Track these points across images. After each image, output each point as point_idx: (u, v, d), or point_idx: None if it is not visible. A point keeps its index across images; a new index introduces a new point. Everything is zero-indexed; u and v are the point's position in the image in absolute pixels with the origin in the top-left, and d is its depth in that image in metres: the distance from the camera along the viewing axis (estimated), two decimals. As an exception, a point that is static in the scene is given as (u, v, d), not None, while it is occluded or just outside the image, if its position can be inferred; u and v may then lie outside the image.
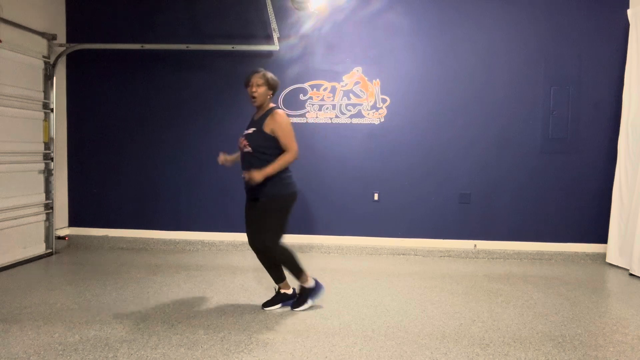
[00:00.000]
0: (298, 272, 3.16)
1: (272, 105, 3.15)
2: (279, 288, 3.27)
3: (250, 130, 3.09)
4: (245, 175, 2.98)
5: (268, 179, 2.99)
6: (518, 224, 4.89)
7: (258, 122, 3.08)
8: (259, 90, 3.06)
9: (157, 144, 5.10)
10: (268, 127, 3.02)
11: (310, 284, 3.21)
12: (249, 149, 3.04)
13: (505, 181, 4.88)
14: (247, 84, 3.10)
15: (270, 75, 3.12)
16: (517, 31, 4.80)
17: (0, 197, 4.21)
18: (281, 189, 3.05)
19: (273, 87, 3.14)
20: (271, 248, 3.09)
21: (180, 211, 5.12)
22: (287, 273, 3.24)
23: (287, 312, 3.20)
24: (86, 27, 5.06)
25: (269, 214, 3.07)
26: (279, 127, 3.01)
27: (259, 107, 3.14)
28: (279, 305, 3.25)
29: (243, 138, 3.10)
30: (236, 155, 3.28)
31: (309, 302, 3.23)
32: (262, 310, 3.21)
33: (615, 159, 4.65)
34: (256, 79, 3.07)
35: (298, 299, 3.23)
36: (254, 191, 3.07)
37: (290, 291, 3.28)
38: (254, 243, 3.16)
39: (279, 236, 3.12)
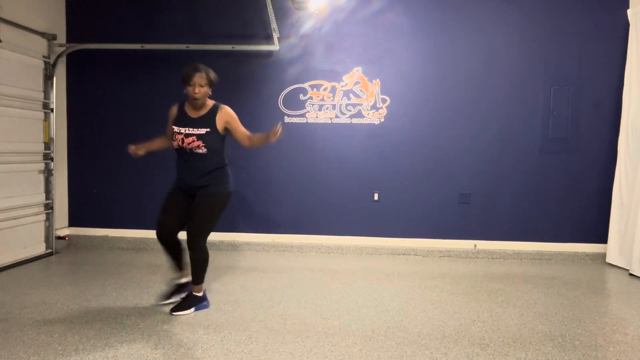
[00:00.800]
0: (201, 279, 3.16)
1: (211, 101, 3.12)
2: (182, 277, 3.32)
3: (203, 131, 3.01)
4: (275, 131, 2.98)
5: (216, 177, 3.07)
6: (518, 224, 4.89)
7: (206, 121, 3.04)
8: (202, 91, 3.00)
9: (157, 144, 5.10)
10: (221, 123, 3.05)
11: (200, 293, 3.20)
12: (203, 150, 3.02)
13: (505, 181, 4.88)
14: (188, 81, 2.98)
15: (213, 74, 3.06)
16: (517, 31, 4.81)
17: (0, 197, 4.21)
18: (227, 187, 3.14)
19: (213, 84, 3.09)
20: (200, 244, 3.08)
21: (180, 211, 5.11)
22: (187, 273, 3.25)
23: (287, 312, 3.19)
24: (86, 27, 5.06)
25: (215, 209, 3.09)
26: (232, 118, 3.10)
27: (196, 104, 3.06)
28: (177, 297, 3.27)
29: (193, 138, 3.00)
30: (149, 144, 3.24)
31: (192, 310, 3.14)
32: (262, 310, 3.21)
33: (615, 159, 4.65)
34: (199, 79, 2.97)
35: (182, 303, 3.16)
36: (197, 187, 3.08)
37: (184, 280, 3.33)
38: (190, 234, 3.07)
39: (210, 232, 3.15)
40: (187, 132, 3.03)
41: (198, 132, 3.02)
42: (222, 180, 3.11)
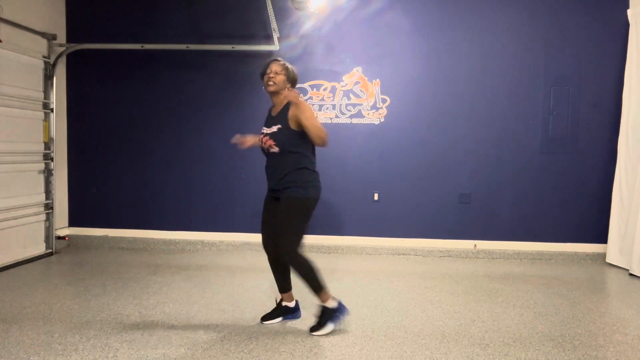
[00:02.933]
0: (317, 288, 2.81)
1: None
2: (281, 299, 3.04)
3: (275, 129, 2.79)
4: (293, 100, 2.66)
5: (292, 181, 2.76)
6: (518, 224, 4.89)
7: (280, 118, 2.80)
8: (277, 80, 2.80)
9: (157, 144, 5.10)
10: (292, 118, 2.73)
11: (332, 304, 2.83)
12: (275, 149, 2.77)
13: (505, 181, 4.88)
14: (264, 70, 2.87)
15: (293, 70, 2.89)
16: (517, 31, 4.80)
17: (0, 197, 4.21)
18: (306, 192, 2.77)
19: (292, 80, 2.88)
20: (290, 254, 2.78)
21: (180, 211, 5.12)
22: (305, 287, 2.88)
23: (287, 312, 3.19)
24: (86, 27, 5.06)
25: (292, 216, 2.77)
26: (301, 110, 2.66)
27: (276, 100, 2.87)
28: (280, 319, 3.01)
29: (267, 137, 2.81)
30: (255, 140, 3.04)
31: (330, 326, 2.82)
32: (262, 310, 3.21)
33: (615, 159, 4.65)
34: (275, 67, 2.83)
35: (318, 321, 2.85)
36: (277, 191, 2.83)
37: (292, 304, 3.04)
38: (273, 245, 2.88)
39: (298, 242, 2.80)
40: (266, 131, 2.86)
41: (271, 131, 2.81)
42: (299, 184, 2.76)
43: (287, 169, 2.77)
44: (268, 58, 4.92)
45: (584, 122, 4.79)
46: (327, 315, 2.83)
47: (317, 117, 2.70)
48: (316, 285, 2.80)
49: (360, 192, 4.99)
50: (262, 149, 2.89)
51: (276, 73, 2.81)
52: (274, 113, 2.89)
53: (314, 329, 2.83)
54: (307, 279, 2.79)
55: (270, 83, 2.81)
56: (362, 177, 4.98)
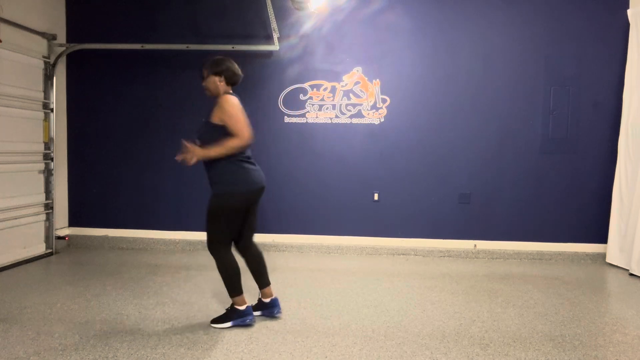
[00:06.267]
0: (232, 290, 2.88)
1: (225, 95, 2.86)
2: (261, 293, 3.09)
3: (203, 123, 2.86)
4: (185, 154, 2.71)
5: (217, 174, 2.78)
6: (518, 224, 4.89)
7: (208, 114, 2.84)
8: (208, 83, 2.85)
9: (158, 144, 5.10)
10: (216, 116, 2.75)
11: (241, 307, 2.91)
12: (197, 142, 2.80)
13: (505, 181, 4.88)
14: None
15: (214, 60, 2.86)
16: (517, 31, 4.80)
17: (0, 197, 4.21)
18: (228, 186, 2.77)
19: (219, 73, 2.83)
20: (213, 252, 2.85)
21: (180, 211, 5.12)
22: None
23: (287, 312, 3.19)
24: (86, 27, 5.06)
25: (214, 213, 2.81)
26: (225, 112, 2.70)
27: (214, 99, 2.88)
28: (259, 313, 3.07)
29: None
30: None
31: (229, 324, 2.89)
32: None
33: (615, 159, 4.66)
34: (204, 72, 2.85)
35: (222, 315, 2.94)
36: (210, 185, 2.85)
37: (268, 300, 3.08)
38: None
39: (223, 240, 2.84)
40: None
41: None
42: (218, 179, 2.79)
43: (208, 163, 2.82)
44: (268, 58, 4.99)
45: (584, 122, 4.79)
46: (231, 314, 2.91)
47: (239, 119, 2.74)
48: (229, 287, 2.88)
49: (360, 192, 4.99)
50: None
51: (203, 78, 2.87)
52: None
53: (214, 320, 2.92)
54: (223, 278, 2.88)
55: (205, 89, 2.89)
56: (362, 177, 4.98)
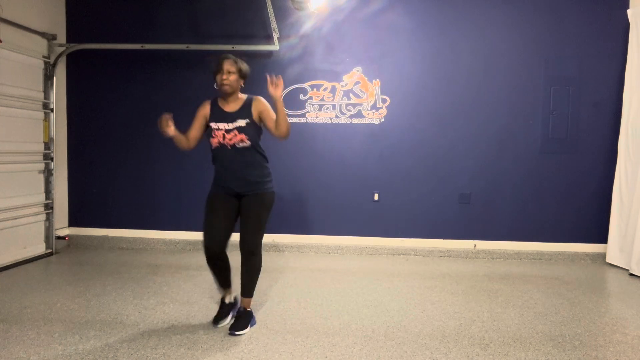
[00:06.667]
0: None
1: (244, 95, 2.91)
2: (227, 295, 3.07)
3: (243, 123, 2.79)
4: (274, 84, 2.74)
5: (264, 174, 2.90)
6: (518, 224, 4.89)
7: (244, 113, 2.81)
8: (231, 79, 2.80)
9: (157, 144, 5.09)
10: (256, 113, 2.83)
11: (250, 308, 2.98)
12: (246, 143, 2.80)
13: (505, 181, 4.88)
14: (218, 69, 2.81)
15: (244, 65, 2.89)
16: (517, 31, 4.80)
17: (0, 197, 4.21)
18: (273, 185, 2.98)
19: (244, 76, 2.90)
20: (258, 252, 2.92)
21: (180, 211, 5.12)
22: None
23: (287, 312, 3.19)
24: (86, 27, 5.06)
25: (266, 212, 2.90)
26: (266, 107, 2.86)
27: (230, 98, 2.87)
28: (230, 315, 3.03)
29: (234, 132, 2.78)
30: (178, 132, 2.93)
31: (249, 328, 2.89)
32: (262, 310, 3.21)
33: (615, 159, 4.66)
34: (228, 66, 2.80)
35: (242, 321, 2.88)
36: (250, 185, 2.85)
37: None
38: (248, 244, 2.87)
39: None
40: (227, 127, 2.80)
41: (238, 125, 2.79)
42: (269, 178, 2.93)
43: (256, 163, 2.88)
44: (268, 58, 4.99)
45: (584, 122, 4.79)
46: (249, 317, 2.92)
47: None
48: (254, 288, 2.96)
49: (360, 192, 4.99)
50: (222, 145, 2.82)
51: (229, 72, 2.80)
52: (229, 109, 2.85)
53: (236, 328, 2.83)
54: (256, 279, 2.97)
55: (226, 84, 2.79)
56: (362, 177, 4.98)
